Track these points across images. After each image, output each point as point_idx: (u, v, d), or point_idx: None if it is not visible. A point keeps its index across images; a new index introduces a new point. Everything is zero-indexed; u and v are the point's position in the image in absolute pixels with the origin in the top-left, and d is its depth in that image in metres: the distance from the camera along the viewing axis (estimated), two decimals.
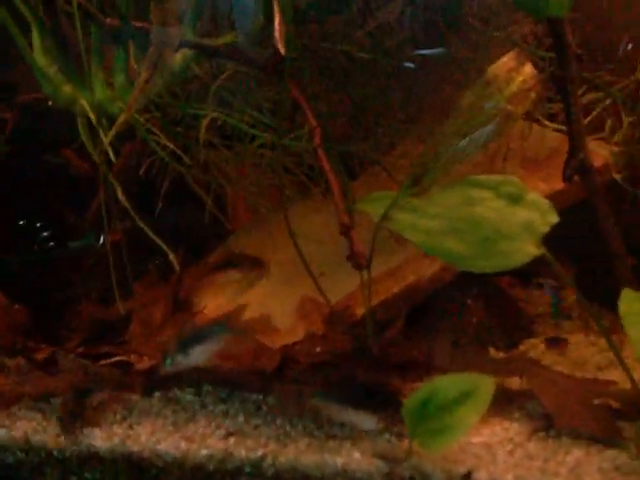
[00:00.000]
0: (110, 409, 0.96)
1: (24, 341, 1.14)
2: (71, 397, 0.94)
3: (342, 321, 1.05)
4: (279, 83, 1.00)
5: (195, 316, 1.18)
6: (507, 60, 0.95)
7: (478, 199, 0.95)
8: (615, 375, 0.97)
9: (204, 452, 0.88)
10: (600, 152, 1.11)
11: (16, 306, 1.19)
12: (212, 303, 1.21)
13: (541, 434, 0.86)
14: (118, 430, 0.93)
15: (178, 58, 1.04)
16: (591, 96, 1.12)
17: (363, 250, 0.94)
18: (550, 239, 0.91)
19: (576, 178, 1.03)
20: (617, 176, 1.11)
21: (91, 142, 1.11)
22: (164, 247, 1.14)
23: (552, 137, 1.16)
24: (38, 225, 1.32)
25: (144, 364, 1.05)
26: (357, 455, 0.84)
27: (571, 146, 1.01)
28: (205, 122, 1.13)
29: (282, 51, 0.96)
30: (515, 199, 0.94)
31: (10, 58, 1.16)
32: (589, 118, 1.12)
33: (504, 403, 0.92)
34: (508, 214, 0.93)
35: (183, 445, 0.89)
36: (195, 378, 1.00)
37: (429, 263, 1.08)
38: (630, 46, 1.11)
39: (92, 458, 0.91)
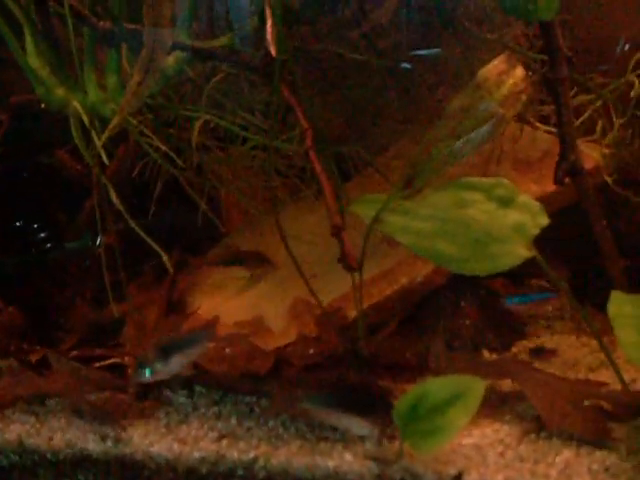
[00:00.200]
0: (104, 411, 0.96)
1: (18, 343, 1.14)
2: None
3: (334, 323, 1.05)
4: (271, 85, 1.00)
5: (189, 318, 1.18)
6: (498, 63, 0.95)
7: (469, 201, 0.95)
8: (606, 376, 0.98)
9: (197, 454, 0.88)
10: (591, 154, 1.11)
11: (10, 308, 1.19)
12: (206, 305, 1.21)
13: (532, 436, 0.86)
14: (111, 432, 0.93)
15: (171, 60, 1.04)
16: (582, 98, 1.12)
17: (354, 252, 0.95)
18: (542, 241, 0.91)
19: (567, 180, 1.03)
20: (608, 178, 1.11)
21: (84, 144, 1.11)
22: (157, 249, 1.14)
23: (543, 139, 1.16)
24: (32, 227, 1.32)
25: None
26: (348, 457, 0.84)
27: (562, 148, 1.02)
28: (198, 124, 1.13)
29: (273, 52, 0.97)
30: (506, 201, 0.94)
31: (3, 60, 1.16)
32: (580, 120, 1.12)
33: (495, 405, 0.92)
34: (499, 216, 0.94)
35: (176, 447, 0.89)
36: (188, 380, 1.00)
37: (421, 265, 1.09)
38: (627, 47, 1.11)
39: (85, 460, 0.91)
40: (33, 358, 1.09)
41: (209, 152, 1.18)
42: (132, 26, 1.05)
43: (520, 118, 1.14)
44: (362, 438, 0.86)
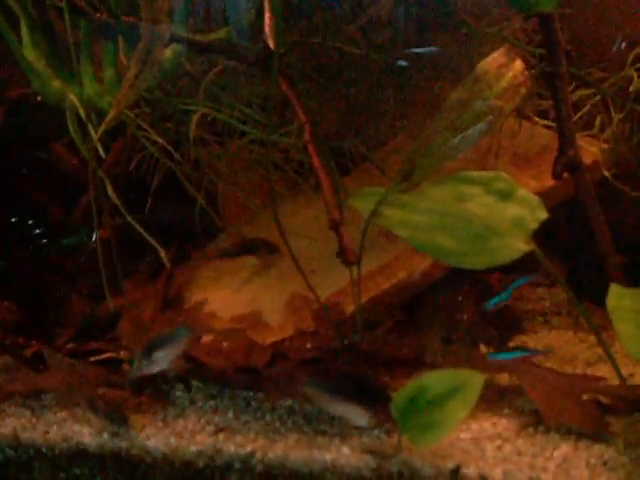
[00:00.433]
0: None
1: (14, 338, 1.13)
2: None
3: (332, 317, 1.05)
4: (269, 78, 1.00)
5: (185, 312, 1.18)
6: (497, 56, 0.95)
7: (468, 195, 0.95)
8: (604, 371, 0.98)
9: (193, 448, 0.87)
10: (590, 149, 1.11)
11: (6, 303, 1.19)
12: (202, 300, 1.21)
13: (530, 430, 0.86)
14: (107, 426, 0.92)
15: (168, 53, 1.04)
16: (581, 93, 1.12)
17: (352, 246, 0.94)
18: (540, 235, 0.91)
19: (566, 175, 1.03)
20: (607, 173, 1.11)
21: (80, 138, 1.11)
22: (154, 244, 1.14)
23: (542, 134, 1.16)
24: (28, 222, 1.31)
25: None
26: (346, 451, 0.84)
27: (561, 143, 1.02)
28: (195, 118, 1.12)
29: (271, 46, 0.96)
30: (505, 195, 0.94)
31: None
32: (579, 115, 1.12)
33: (493, 399, 0.92)
34: (498, 210, 0.93)
35: (172, 441, 0.89)
36: (185, 374, 1.00)
37: (420, 259, 1.08)
38: (624, 44, 1.11)
39: (81, 454, 0.91)
40: (29, 353, 1.08)
41: (207, 146, 1.18)
42: (129, 19, 1.05)
43: (519, 113, 1.13)
44: (360, 432, 0.86)
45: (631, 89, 1.11)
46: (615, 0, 1.18)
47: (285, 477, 0.84)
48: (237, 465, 0.85)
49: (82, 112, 1.09)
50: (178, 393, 0.99)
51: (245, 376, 0.98)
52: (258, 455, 0.85)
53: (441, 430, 0.80)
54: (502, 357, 0.96)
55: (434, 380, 0.83)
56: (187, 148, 1.16)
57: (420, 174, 0.95)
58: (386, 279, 1.08)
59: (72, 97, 1.08)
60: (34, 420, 0.95)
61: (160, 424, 0.92)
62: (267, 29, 1.01)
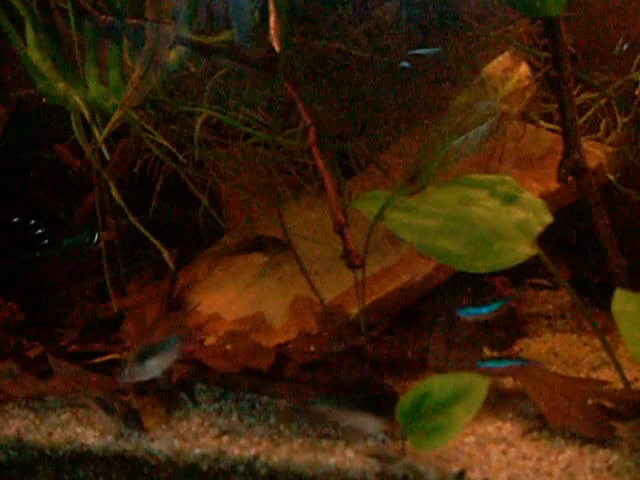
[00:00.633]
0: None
1: (17, 339, 1.13)
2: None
3: (335, 320, 1.05)
4: (273, 81, 1.00)
5: (188, 314, 1.18)
6: (503, 59, 0.95)
7: (473, 198, 0.95)
8: (608, 375, 0.98)
9: (197, 451, 0.87)
10: (595, 153, 1.11)
11: (9, 304, 1.19)
12: (207, 301, 1.21)
13: (534, 434, 0.86)
14: (112, 428, 0.92)
15: (173, 55, 1.04)
16: (586, 96, 1.12)
17: (357, 249, 0.94)
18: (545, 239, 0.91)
19: (570, 178, 1.03)
20: (611, 177, 1.11)
21: (84, 139, 1.11)
22: (158, 245, 1.14)
23: (547, 137, 1.16)
24: (31, 223, 1.32)
25: None
26: (350, 454, 0.83)
27: (566, 146, 1.01)
28: (200, 120, 1.12)
29: (277, 49, 0.96)
30: (510, 199, 0.94)
31: (4, 54, 1.15)
32: (584, 118, 1.12)
33: (498, 403, 0.92)
34: (503, 214, 0.93)
35: (176, 444, 0.89)
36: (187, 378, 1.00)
37: (424, 263, 1.08)
38: (626, 46, 1.11)
39: (85, 457, 0.91)
40: (32, 354, 1.08)
41: (211, 148, 1.18)
42: (134, 20, 1.05)
43: (524, 116, 1.13)
44: (364, 436, 0.85)
45: (636, 92, 1.11)
46: (620, 2, 1.18)
47: None
48: (241, 468, 0.85)
49: (86, 113, 1.09)
50: (182, 395, 0.99)
51: (249, 378, 0.98)
52: (262, 458, 0.85)
53: (446, 434, 0.79)
54: (492, 365, 0.95)
55: (438, 384, 0.82)
56: (191, 150, 1.16)
57: (425, 177, 0.95)
58: (390, 282, 1.08)
59: (77, 98, 1.08)
60: (38, 422, 0.95)
61: (164, 427, 0.92)
62: (272, 31, 1.01)
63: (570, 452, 0.82)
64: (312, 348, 1.04)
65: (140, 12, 1.04)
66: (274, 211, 1.03)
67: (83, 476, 0.91)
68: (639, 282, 1.01)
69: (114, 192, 1.13)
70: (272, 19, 1.00)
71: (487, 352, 1.10)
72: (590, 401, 0.89)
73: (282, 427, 0.90)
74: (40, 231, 1.31)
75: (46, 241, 1.31)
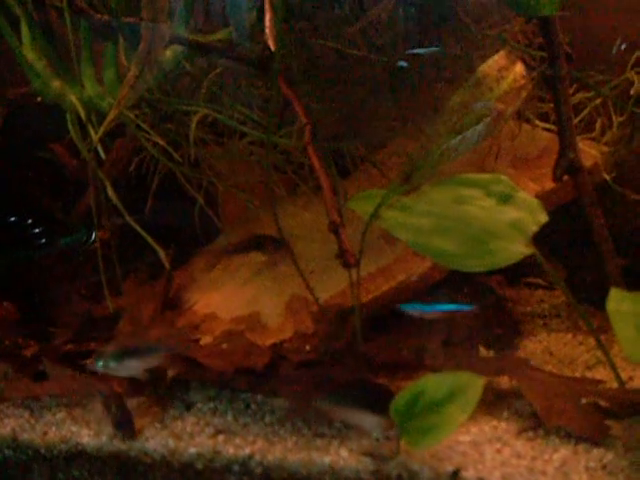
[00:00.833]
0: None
1: (13, 338, 1.13)
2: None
3: (331, 319, 1.05)
4: (269, 79, 1.00)
5: (184, 314, 1.18)
6: (498, 59, 0.95)
7: (468, 197, 0.95)
8: (603, 374, 0.98)
9: (192, 450, 0.87)
10: (590, 152, 1.11)
11: (4, 303, 1.18)
12: (203, 300, 1.21)
13: (529, 433, 0.86)
14: (106, 428, 0.92)
15: (168, 54, 1.04)
16: (582, 95, 1.12)
17: (352, 248, 0.94)
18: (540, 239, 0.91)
19: (566, 178, 1.03)
20: (607, 176, 1.11)
21: (80, 138, 1.11)
22: (154, 245, 1.14)
23: (542, 136, 1.16)
24: (27, 222, 1.31)
25: None
26: (344, 453, 0.83)
27: (561, 146, 1.02)
28: (196, 119, 1.12)
29: (272, 47, 0.96)
30: (505, 198, 0.94)
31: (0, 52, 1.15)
32: (579, 118, 1.12)
33: (493, 402, 0.92)
34: (498, 213, 0.93)
35: (171, 443, 0.89)
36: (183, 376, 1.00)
37: (419, 262, 1.08)
38: (624, 46, 1.11)
39: (80, 456, 0.90)
40: (28, 353, 1.08)
41: (207, 147, 1.18)
42: (130, 19, 1.05)
43: (519, 115, 1.13)
44: (365, 433, 0.85)
45: (632, 92, 1.11)
46: (615, 2, 1.18)
47: (284, 479, 0.84)
48: (236, 467, 0.85)
49: (82, 113, 1.09)
50: (177, 394, 0.99)
51: (244, 377, 0.98)
52: (257, 457, 0.85)
53: (440, 433, 0.79)
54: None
55: (433, 383, 0.82)
56: (187, 149, 1.16)
57: (420, 176, 0.95)
58: (385, 281, 1.08)
59: (72, 97, 1.08)
60: (33, 421, 0.95)
61: (159, 426, 0.92)
62: (267, 30, 1.01)
63: (564, 451, 0.82)
64: (307, 347, 1.04)
65: (136, 11, 1.04)
66: (270, 210, 1.03)
67: (78, 475, 0.90)
68: (635, 282, 1.01)
69: (110, 191, 1.13)
70: (267, 18, 1.00)
71: (483, 351, 1.10)
72: (585, 400, 0.89)
73: (277, 426, 0.90)
74: (37, 230, 1.31)
75: (43, 240, 1.31)
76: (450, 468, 0.80)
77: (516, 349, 1.10)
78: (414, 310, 0.95)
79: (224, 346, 1.04)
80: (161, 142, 1.13)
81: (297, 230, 1.16)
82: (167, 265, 1.17)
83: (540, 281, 1.25)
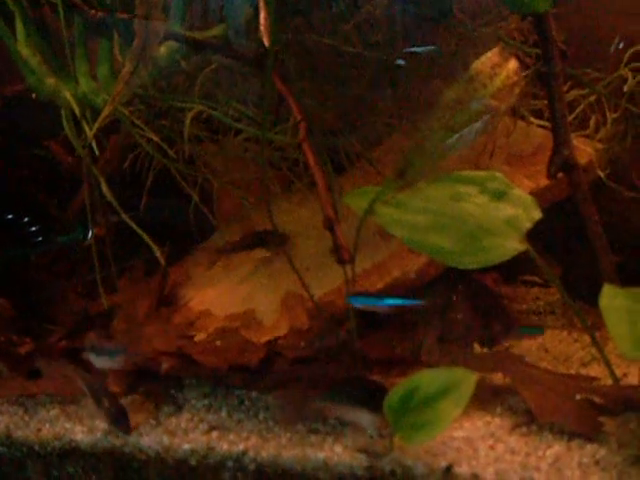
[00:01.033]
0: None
1: (7, 335, 1.13)
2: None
3: (325, 316, 1.05)
4: (264, 76, 0.99)
5: (179, 310, 1.18)
6: (491, 55, 0.95)
7: (463, 194, 0.95)
8: (598, 371, 0.98)
9: (186, 446, 0.87)
10: (585, 149, 1.11)
11: (0, 300, 1.18)
12: (198, 297, 1.21)
13: (523, 429, 0.86)
14: (100, 424, 0.92)
15: (163, 50, 1.04)
16: (576, 92, 1.12)
17: (347, 245, 0.94)
18: (534, 235, 0.91)
19: (560, 175, 1.03)
20: (601, 173, 1.11)
21: (75, 135, 1.10)
22: (149, 242, 1.14)
23: (537, 133, 1.16)
24: (23, 219, 1.31)
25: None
26: (339, 449, 0.84)
27: (556, 143, 1.02)
28: (190, 115, 1.12)
29: (267, 43, 0.96)
30: (500, 195, 0.94)
31: None
32: (574, 115, 1.12)
33: (487, 398, 0.92)
34: (492, 210, 0.93)
35: (165, 439, 0.89)
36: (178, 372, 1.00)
37: (414, 258, 1.08)
38: (621, 45, 1.11)
39: (74, 452, 0.90)
40: (23, 350, 1.08)
41: (201, 143, 1.17)
42: (124, 15, 1.04)
43: (514, 112, 1.13)
44: (353, 430, 0.85)
45: (626, 89, 1.11)
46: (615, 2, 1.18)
47: (278, 475, 0.84)
48: (230, 463, 0.85)
49: (77, 109, 1.08)
50: (171, 391, 0.99)
51: (239, 374, 0.98)
52: (251, 453, 0.85)
53: (433, 429, 0.79)
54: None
55: (427, 379, 0.82)
56: (182, 145, 1.16)
57: (414, 173, 0.95)
58: (380, 278, 1.08)
59: (67, 94, 1.08)
60: (27, 418, 0.95)
61: (153, 422, 0.92)
62: (262, 27, 1.01)
63: (558, 447, 0.82)
64: (302, 344, 1.04)
65: (130, 7, 1.04)
66: (264, 207, 1.03)
67: (72, 472, 0.90)
68: (629, 279, 1.01)
69: (105, 188, 1.13)
70: (262, 14, 0.99)
71: (478, 348, 1.10)
72: (579, 396, 0.89)
73: (271, 422, 0.90)
74: (33, 228, 1.31)
75: (39, 238, 1.31)
76: (444, 464, 0.80)
77: (511, 346, 1.10)
78: (363, 303, 0.95)
79: (218, 343, 1.04)
80: (155, 139, 1.13)
81: (292, 227, 1.16)
82: (162, 262, 1.16)
83: (536, 279, 1.25)
